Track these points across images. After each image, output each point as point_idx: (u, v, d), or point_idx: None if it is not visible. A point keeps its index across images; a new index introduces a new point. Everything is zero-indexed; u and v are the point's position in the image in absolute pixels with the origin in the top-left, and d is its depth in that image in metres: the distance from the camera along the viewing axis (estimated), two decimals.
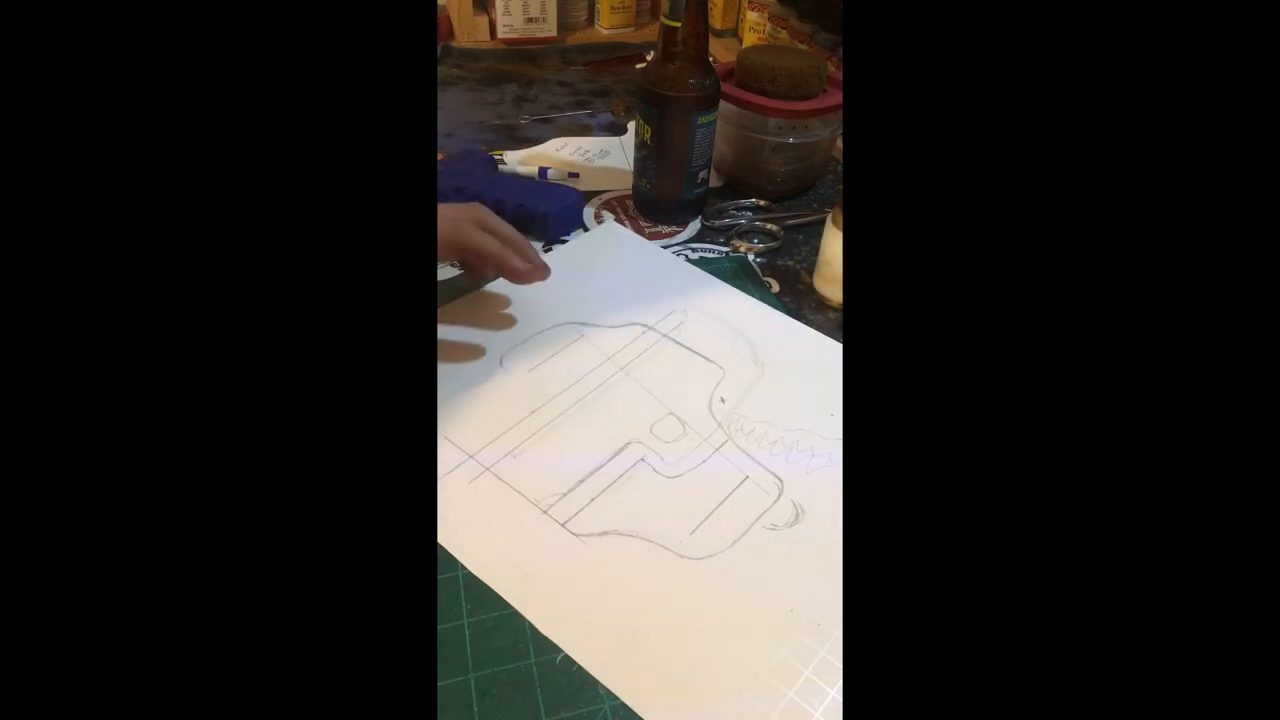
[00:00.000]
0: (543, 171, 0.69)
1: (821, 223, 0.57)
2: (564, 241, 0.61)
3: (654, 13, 1.08)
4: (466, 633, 0.35)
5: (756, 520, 0.41)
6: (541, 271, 0.50)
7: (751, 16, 0.92)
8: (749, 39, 0.94)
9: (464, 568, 0.37)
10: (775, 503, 0.42)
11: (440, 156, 0.69)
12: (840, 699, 0.33)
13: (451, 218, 0.48)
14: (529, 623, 0.35)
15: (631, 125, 0.72)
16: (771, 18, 0.89)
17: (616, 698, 0.33)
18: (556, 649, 0.34)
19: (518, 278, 0.49)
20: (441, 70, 0.92)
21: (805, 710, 0.33)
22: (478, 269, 0.53)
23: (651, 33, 1.05)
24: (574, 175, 0.69)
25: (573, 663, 0.34)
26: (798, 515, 0.41)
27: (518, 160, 0.72)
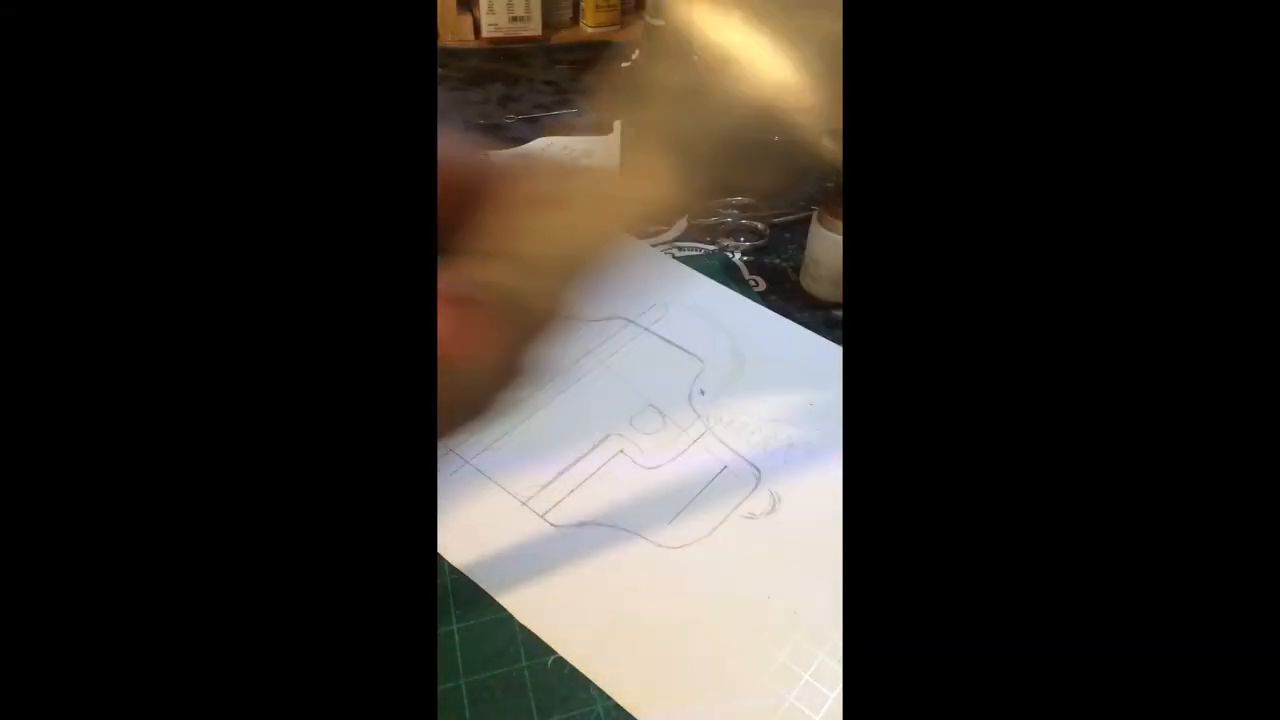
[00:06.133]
0: None
1: (807, 220, 0.57)
2: None
3: (639, 11, 1.08)
4: (456, 638, 0.35)
5: (734, 510, 0.41)
6: None
7: None
8: None
9: (451, 573, 0.37)
10: (753, 492, 0.42)
11: None
12: (840, 700, 0.33)
13: None
14: (519, 626, 0.35)
15: (617, 124, 0.72)
16: None
17: (609, 699, 0.33)
18: (547, 652, 0.34)
19: None
20: None
21: (804, 711, 0.33)
22: None
23: (637, 32, 1.05)
24: None
25: (564, 665, 0.34)
26: (775, 504, 0.42)
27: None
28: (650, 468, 0.43)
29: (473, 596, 0.36)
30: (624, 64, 0.94)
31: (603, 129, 0.80)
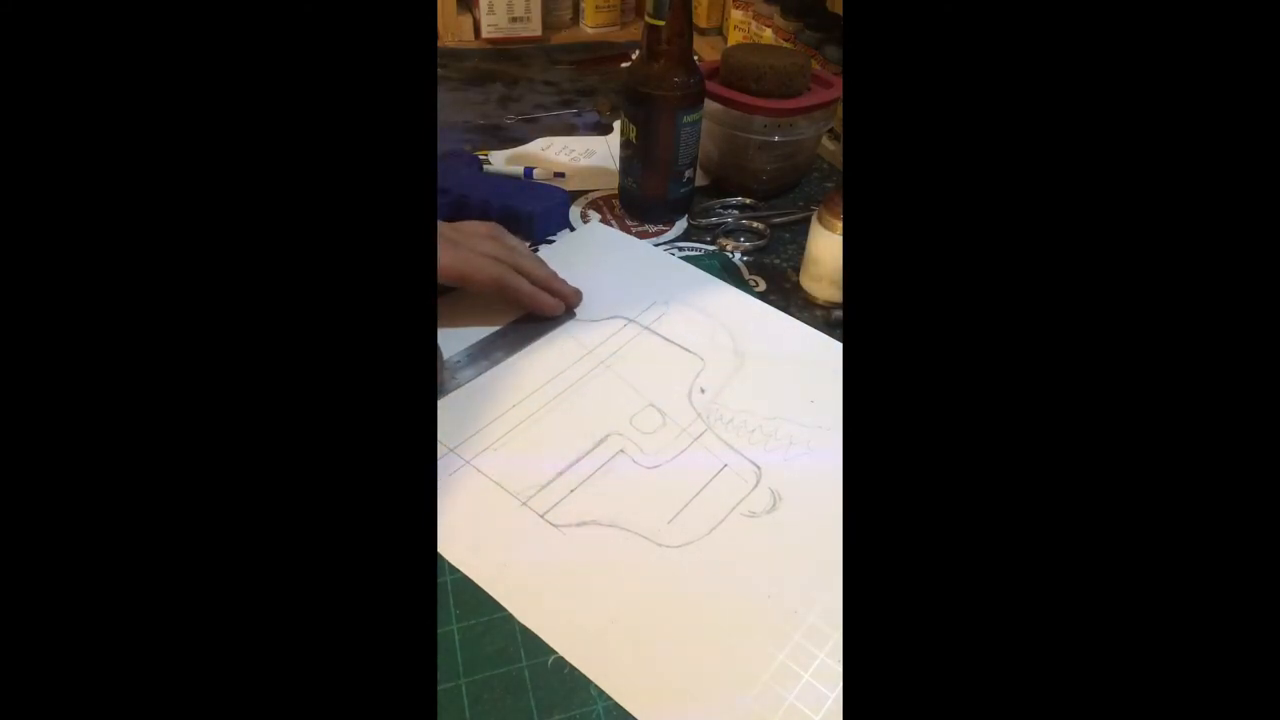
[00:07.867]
0: (528, 171, 0.69)
1: (808, 220, 0.57)
2: (550, 242, 0.61)
3: (639, 11, 1.08)
4: (456, 638, 0.35)
5: (734, 508, 0.41)
6: (572, 298, 0.53)
7: (736, 15, 0.92)
8: (734, 37, 0.94)
9: (451, 573, 0.37)
10: (753, 490, 0.42)
11: None
12: (840, 700, 0.33)
13: (482, 265, 0.49)
14: (519, 626, 0.35)
15: (617, 124, 0.72)
16: (756, 16, 0.89)
17: (609, 698, 0.33)
18: (547, 652, 0.34)
19: (551, 313, 0.51)
20: None
21: (804, 711, 0.33)
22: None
23: (636, 32, 1.05)
24: (560, 175, 0.69)
25: (564, 665, 0.34)
26: (775, 502, 0.42)
27: (503, 160, 0.71)
28: (650, 467, 0.43)
29: (473, 596, 0.36)
30: (624, 64, 0.94)
31: (602, 129, 0.80)
